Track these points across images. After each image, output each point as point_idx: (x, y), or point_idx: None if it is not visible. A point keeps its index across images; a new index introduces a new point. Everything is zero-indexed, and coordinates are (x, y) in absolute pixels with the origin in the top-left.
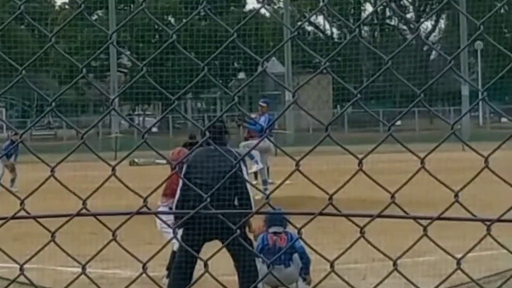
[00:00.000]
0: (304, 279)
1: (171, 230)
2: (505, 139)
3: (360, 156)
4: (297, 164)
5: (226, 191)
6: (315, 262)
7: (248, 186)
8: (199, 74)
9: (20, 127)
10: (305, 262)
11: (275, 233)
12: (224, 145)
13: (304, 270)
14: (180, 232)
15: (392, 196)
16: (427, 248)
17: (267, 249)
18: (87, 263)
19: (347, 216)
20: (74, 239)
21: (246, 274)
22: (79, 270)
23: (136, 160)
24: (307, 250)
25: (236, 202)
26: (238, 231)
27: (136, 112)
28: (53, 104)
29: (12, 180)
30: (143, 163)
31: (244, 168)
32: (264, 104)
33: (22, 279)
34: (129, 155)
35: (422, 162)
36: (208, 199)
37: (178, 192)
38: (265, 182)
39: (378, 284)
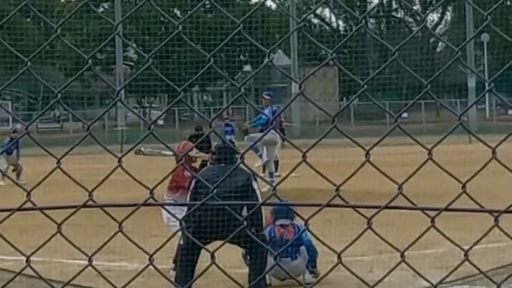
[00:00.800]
0: (312, 272)
1: (177, 223)
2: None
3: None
4: (304, 156)
5: (237, 209)
6: (322, 254)
7: (263, 209)
8: (205, 66)
9: (26, 120)
10: (312, 254)
11: (282, 225)
12: (232, 163)
13: (311, 263)
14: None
15: (400, 188)
16: (434, 240)
17: (274, 242)
18: (93, 254)
19: (354, 207)
20: (80, 231)
21: (257, 266)
22: (86, 262)
23: (142, 149)
24: (314, 242)
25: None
26: (245, 222)
27: (142, 105)
28: (59, 95)
29: (18, 175)
30: (149, 153)
31: (257, 189)
32: (267, 97)
33: (29, 272)
34: (136, 146)
35: (430, 153)
36: (215, 191)
37: (188, 199)
38: (271, 175)
39: (385, 276)
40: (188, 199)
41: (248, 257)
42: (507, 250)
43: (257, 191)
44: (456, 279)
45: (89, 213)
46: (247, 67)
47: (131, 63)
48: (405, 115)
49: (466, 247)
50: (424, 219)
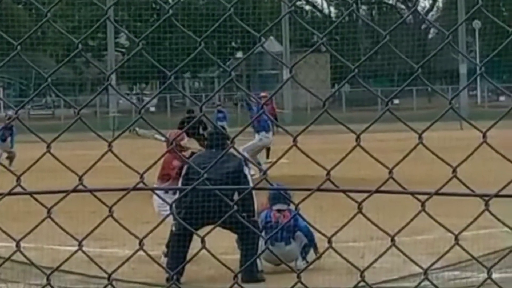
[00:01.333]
0: (304, 259)
1: (168, 211)
2: (503, 115)
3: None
4: (295, 140)
5: (228, 194)
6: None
7: (254, 195)
8: (196, 53)
9: (18, 107)
10: (310, 239)
11: (278, 210)
12: (224, 149)
13: (309, 248)
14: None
15: (390, 172)
16: (425, 226)
17: (270, 226)
18: (83, 239)
19: (344, 191)
20: (72, 218)
21: (249, 252)
22: (76, 248)
23: (136, 129)
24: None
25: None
26: (236, 207)
27: (133, 92)
28: (49, 79)
29: (10, 161)
30: (143, 134)
31: (248, 175)
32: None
33: (21, 258)
34: (127, 130)
35: (420, 137)
36: (206, 175)
37: (180, 183)
38: (259, 163)
39: (376, 260)
40: (179, 185)
41: (240, 243)
42: (498, 236)
43: (249, 177)
44: (448, 265)
45: (80, 200)
46: (239, 54)
47: (123, 50)
48: (396, 101)
49: (456, 233)
50: (415, 205)
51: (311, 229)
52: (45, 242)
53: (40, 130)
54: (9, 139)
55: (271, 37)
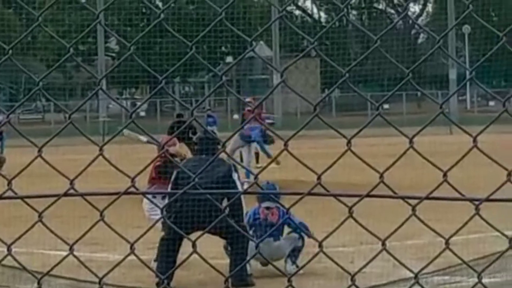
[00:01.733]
0: (294, 263)
1: (158, 216)
2: (493, 120)
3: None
4: (285, 144)
5: (218, 199)
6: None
7: (242, 197)
8: (187, 58)
9: (8, 111)
10: (304, 229)
11: (267, 207)
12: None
13: (297, 253)
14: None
15: (381, 176)
16: (416, 231)
17: (258, 223)
18: (74, 243)
19: (335, 196)
20: (63, 222)
21: (238, 257)
22: (67, 253)
23: (124, 131)
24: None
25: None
26: (226, 211)
27: (123, 96)
28: (40, 83)
29: (0, 166)
30: (127, 135)
31: (237, 180)
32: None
33: (11, 263)
34: (117, 134)
35: (411, 141)
36: (196, 179)
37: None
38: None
39: (366, 265)
40: (169, 190)
41: (229, 248)
42: (487, 241)
43: (237, 182)
44: (437, 269)
45: (71, 205)
46: (229, 59)
47: (113, 54)
48: (386, 106)
49: (439, 238)
50: (405, 211)
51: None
52: (36, 246)
53: (30, 135)
54: None
55: (261, 42)
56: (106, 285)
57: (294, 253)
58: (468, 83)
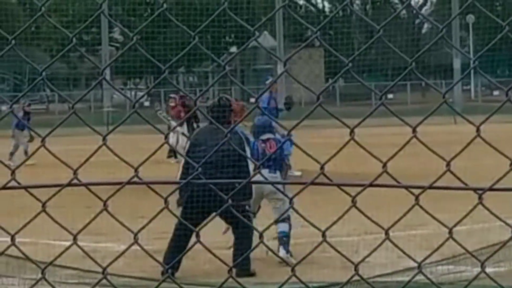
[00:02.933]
0: (288, 251)
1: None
2: (496, 109)
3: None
4: (289, 134)
5: (229, 169)
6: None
7: (251, 168)
8: (191, 47)
9: (12, 101)
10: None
11: (265, 140)
12: (228, 124)
13: (287, 239)
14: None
15: (384, 166)
16: (420, 221)
17: (256, 158)
18: (78, 233)
19: (338, 185)
20: (67, 213)
21: (242, 246)
22: (72, 242)
23: (159, 111)
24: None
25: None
26: (230, 201)
27: (128, 86)
28: (44, 73)
29: (11, 154)
30: (162, 117)
31: (247, 150)
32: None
33: (16, 253)
34: (121, 124)
35: (414, 131)
36: (205, 157)
37: (180, 169)
38: None
39: (371, 253)
40: (181, 163)
41: (234, 237)
42: (492, 230)
43: (248, 151)
44: (441, 259)
45: (75, 195)
46: (233, 49)
47: (117, 44)
48: (390, 96)
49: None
50: (409, 200)
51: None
52: (40, 237)
53: (34, 125)
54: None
55: (265, 32)
56: (110, 275)
57: (284, 240)
58: (472, 73)
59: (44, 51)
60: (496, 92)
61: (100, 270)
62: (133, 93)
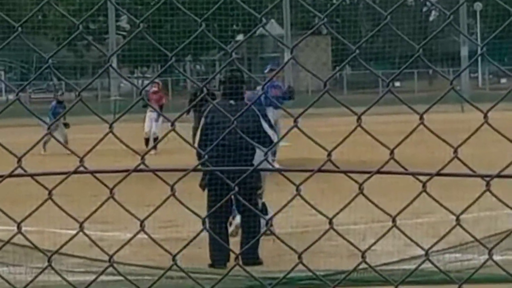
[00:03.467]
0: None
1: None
2: (504, 95)
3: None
4: (295, 121)
5: (248, 150)
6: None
7: (272, 137)
8: (197, 35)
9: (19, 90)
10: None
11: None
12: (242, 99)
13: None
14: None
15: (391, 153)
16: (427, 209)
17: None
18: (84, 221)
19: (345, 172)
20: (74, 201)
21: (249, 235)
22: (78, 230)
23: None
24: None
25: (254, 162)
26: (237, 189)
27: (135, 75)
28: (50, 61)
29: (45, 143)
30: None
31: (265, 124)
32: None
33: (24, 241)
34: (128, 111)
35: (421, 117)
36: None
37: (197, 145)
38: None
39: (377, 240)
40: (197, 140)
41: (242, 223)
42: (499, 218)
43: (268, 131)
44: (448, 247)
45: (82, 184)
46: (240, 37)
47: (124, 33)
48: (397, 84)
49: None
50: (417, 189)
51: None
52: (47, 225)
53: (42, 114)
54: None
55: (272, 20)
56: (117, 263)
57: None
58: (479, 61)
59: (51, 39)
60: (503, 80)
61: (107, 258)
62: (140, 81)
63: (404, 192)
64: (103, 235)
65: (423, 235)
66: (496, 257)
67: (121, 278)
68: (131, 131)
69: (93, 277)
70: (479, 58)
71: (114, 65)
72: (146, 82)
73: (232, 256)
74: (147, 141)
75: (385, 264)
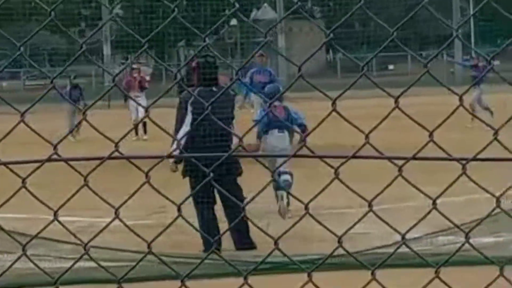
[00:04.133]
0: (288, 204)
1: None
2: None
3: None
4: (333, 104)
5: (224, 135)
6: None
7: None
8: (190, 21)
9: (12, 77)
10: (301, 122)
11: (273, 106)
12: (217, 84)
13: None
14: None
15: (366, 137)
16: (409, 194)
17: (267, 122)
18: (58, 209)
19: (321, 157)
20: (59, 190)
21: (233, 221)
22: (70, 219)
23: None
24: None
25: (232, 146)
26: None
27: (128, 61)
28: (22, 49)
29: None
30: None
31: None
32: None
33: (10, 227)
34: (101, 98)
35: (396, 101)
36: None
37: (185, 129)
38: None
39: (352, 227)
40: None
41: (224, 211)
42: (484, 202)
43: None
44: (437, 231)
45: (68, 172)
46: (233, 21)
47: (118, 19)
48: (391, 67)
49: (439, 199)
50: (403, 174)
51: (300, 113)
52: (38, 212)
53: (34, 101)
54: (79, 100)
55: (265, 4)
56: (101, 249)
57: (287, 188)
58: (472, 44)
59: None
60: (496, 62)
61: (99, 245)
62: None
63: (385, 177)
64: (94, 221)
65: (407, 218)
66: (489, 239)
67: (112, 264)
68: (120, 118)
69: (86, 263)
70: (472, 41)
71: (108, 51)
72: (142, 68)
73: (225, 241)
74: (137, 127)
75: (378, 247)
